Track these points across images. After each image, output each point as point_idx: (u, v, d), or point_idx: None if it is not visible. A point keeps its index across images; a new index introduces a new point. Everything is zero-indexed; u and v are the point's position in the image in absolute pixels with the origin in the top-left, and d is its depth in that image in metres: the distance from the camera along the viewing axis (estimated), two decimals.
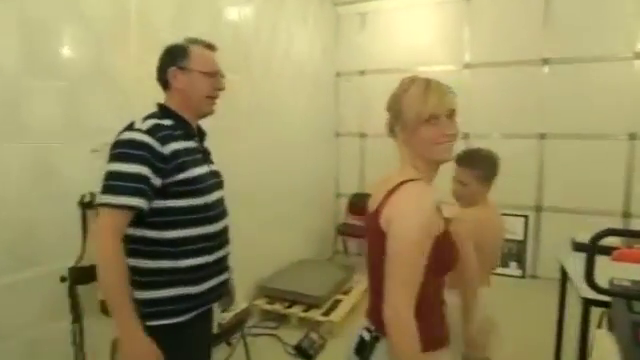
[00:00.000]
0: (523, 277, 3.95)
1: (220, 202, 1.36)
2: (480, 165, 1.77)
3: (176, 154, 1.21)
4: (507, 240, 3.95)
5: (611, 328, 1.69)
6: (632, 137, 3.55)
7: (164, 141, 1.20)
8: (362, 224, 4.81)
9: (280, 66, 3.50)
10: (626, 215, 3.61)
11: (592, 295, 1.84)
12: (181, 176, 1.21)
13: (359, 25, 4.47)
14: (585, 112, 3.66)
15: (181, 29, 2.34)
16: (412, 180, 1.05)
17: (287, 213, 3.64)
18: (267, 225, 3.28)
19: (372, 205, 1.11)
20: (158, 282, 1.22)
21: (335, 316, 2.91)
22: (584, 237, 3.58)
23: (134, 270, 1.20)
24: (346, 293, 3.31)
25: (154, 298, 1.22)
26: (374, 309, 1.08)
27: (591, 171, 3.66)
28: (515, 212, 3.94)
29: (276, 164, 3.41)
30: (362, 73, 4.50)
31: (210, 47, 1.34)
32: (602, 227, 4.02)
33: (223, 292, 1.39)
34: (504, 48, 3.88)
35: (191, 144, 1.30)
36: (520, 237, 3.98)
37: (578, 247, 3.42)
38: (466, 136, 4.01)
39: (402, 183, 1.04)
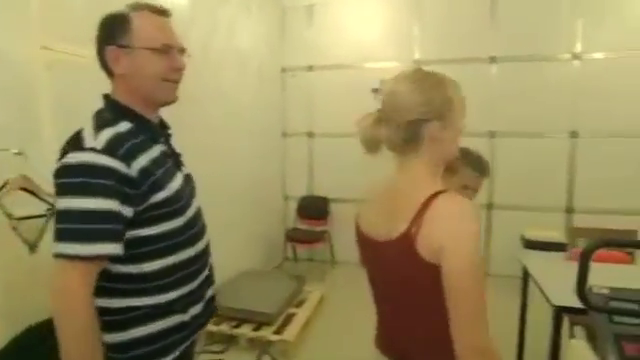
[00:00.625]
0: None
1: (199, 214, 1.13)
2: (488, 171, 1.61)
3: (146, 172, 0.95)
4: None
5: (590, 339, 1.62)
6: (573, 135, 3.65)
7: (129, 157, 0.92)
8: (316, 229, 4.45)
9: (221, 56, 3.17)
10: (569, 210, 3.70)
11: (565, 303, 1.77)
12: (156, 198, 0.96)
13: (306, 18, 4.23)
14: (530, 110, 3.71)
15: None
16: (442, 192, 0.89)
17: (231, 218, 3.30)
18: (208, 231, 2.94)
19: (381, 225, 0.94)
20: (133, 320, 0.98)
21: (289, 334, 2.64)
22: (533, 234, 3.64)
23: (102, 311, 0.94)
24: (299, 306, 3.06)
25: (129, 340, 0.98)
26: (396, 342, 0.98)
27: (537, 168, 3.74)
28: None
29: (217, 163, 3.06)
30: (309, 68, 4.27)
31: (160, 12, 1.02)
32: (548, 223, 4.09)
33: (212, 312, 1.18)
34: (453, 45, 3.84)
35: (158, 150, 1.02)
36: None
37: (529, 244, 3.48)
38: None
39: (433, 197, 0.87)
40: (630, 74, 3.48)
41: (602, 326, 1.46)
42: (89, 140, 0.91)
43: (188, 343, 1.08)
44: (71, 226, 0.87)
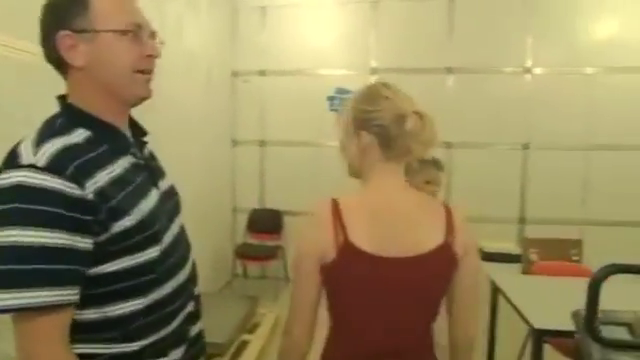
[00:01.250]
0: None
1: (180, 237, 0.93)
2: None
3: (104, 193, 0.74)
4: None
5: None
6: (525, 147, 3.73)
7: (82, 175, 0.72)
8: (268, 244, 4.16)
9: (167, 56, 2.84)
10: (521, 221, 3.76)
11: (547, 326, 1.69)
12: (119, 227, 0.75)
13: (259, 20, 4.00)
14: (485, 122, 3.75)
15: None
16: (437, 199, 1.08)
17: None
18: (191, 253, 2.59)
19: (399, 240, 0.90)
20: None
21: None
22: (489, 246, 3.63)
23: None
24: (252, 331, 2.79)
25: None
26: (387, 345, 0.94)
27: (491, 179, 3.76)
28: None
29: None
30: (262, 73, 4.03)
31: None
32: (501, 234, 4.10)
33: (199, 352, 0.97)
34: (410, 55, 3.80)
35: (126, 162, 0.81)
36: None
37: (486, 257, 3.46)
38: None
39: (442, 205, 0.98)
40: (575, 89, 3.62)
41: (594, 352, 1.37)
42: (28, 153, 0.70)
43: None
44: (12, 267, 0.67)
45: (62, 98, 0.81)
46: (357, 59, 3.89)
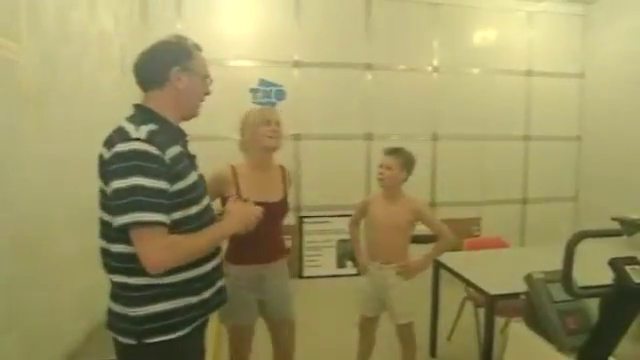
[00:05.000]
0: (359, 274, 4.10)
1: (210, 208, 1.34)
2: (402, 155, 2.20)
3: (174, 161, 1.16)
4: (342, 241, 4.03)
5: (529, 321, 1.80)
6: (434, 138, 4.15)
7: (163, 148, 1.14)
8: None
9: (81, 39, 2.47)
10: (432, 204, 4.19)
11: (499, 291, 1.94)
12: (179, 185, 1.17)
13: (174, 5, 3.70)
14: (400, 115, 4.06)
15: None
16: None
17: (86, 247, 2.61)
18: (71, 263, 2.23)
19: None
20: (154, 296, 1.16)
21: None
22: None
23: (126, 287, 1.15)
24: None
25: (151, 313, 1.16)
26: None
27: None
28: (347, 212, 4.03)
29: (80, 175, 2.34)
30: None
31: (200, 48, 1.33)
32: None
33: (222, 300, 1.36)
34: (332, 50, 3.92)
35: (177, 149, 1.21)
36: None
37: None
38: (297, 137, 3.88)
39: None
40: (469, 86, 4.16)
41: (547, 306, 1.63)
42: (133, 132, 1.12)
43: (199, 323, 1.25)
44: (138, 198, 1.06)
45: (138, 105, 1.25)
46: (280, 52, 3.87)
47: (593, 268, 1.58)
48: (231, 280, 1.66)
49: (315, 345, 2.71)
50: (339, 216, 3.96)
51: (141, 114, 1.20)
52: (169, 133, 1.20)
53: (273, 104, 3.80)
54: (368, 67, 3.98)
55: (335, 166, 3.99)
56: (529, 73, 4.32)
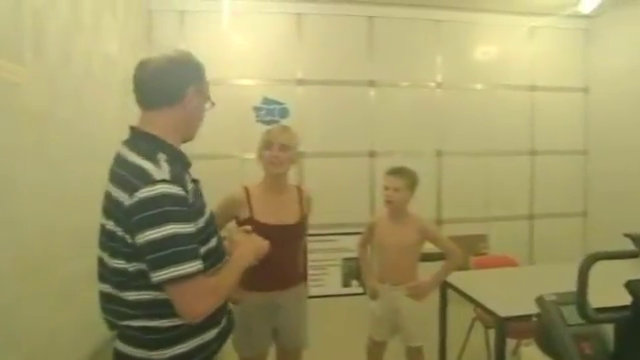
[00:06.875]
0: (364, 294, 4.03)
1: (220, 235, 1.31)
2: (407, 175, 2.18)
3: (193, 196, 1.11)
4: (347, 259, 3.97)
5: (542, 344, 1.73)
6: (439, 154, 4.12)
7: (184, 184, 1.08)
8: None
9: (86, 60, 2.49)
10: (439, 222, 4.13)
11: (510, 314, 1.87)
12: (201, 222, 1.13)
13: (177, 24, 3.74)
14: (404, 132, 4.04)
15: None
16: None
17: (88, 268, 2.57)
18: (74, 284, 2.18)
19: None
20: (180, 336, 1.11)
21: None
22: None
23: (147, 330, 1.08)
24: None
25: (177, 354, 1.10)
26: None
27: None
28: (352, 230, 3.98)
29: (81, 200, 2.30)
30: None
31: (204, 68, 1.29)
32: None
33: (231, 324, 1.32)
34: (335, 67, 3.93)
35: (189, 177, 1.19)
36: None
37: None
38: (301, 155, 3.85)
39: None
40: (473, 102, 4.14)
41: (561, 330, 1.57)
42: (156, 173, 1.03)
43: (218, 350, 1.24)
44: (176, 249, 0.99)
45: (134, 128, 1.15)
46: (283, 70, 3.89)
47: (606, 287, 1.52)
48: (243, 307, 1.60)
49: None
50: (343, 234, 3.91)
51: (146, 142, 1.10)
52: (178, 161, 1.12)
53: (276, 122, 3.79)
54: (371, 84, 3.98)
55: (339, 183, 3.95)
56: (532, 88, 4.30)
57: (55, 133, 2.15)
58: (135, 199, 0.99)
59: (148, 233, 0.97)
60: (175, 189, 1.01)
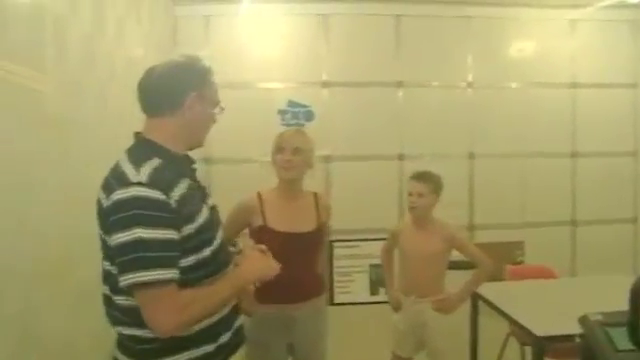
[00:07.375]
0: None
1: (224, 245, 1.25)
2: (432, 180, 2.15)
3: (182, 202, 1.05)
4: (374, 266, 3.84)
5: None
6: (470, 156, 3.93)
7: (168, 188, 1.04)
8: None
9: (109, 67, 2.51)
10: (470, 228, 3.93)
11: (549, 333, 1.71)
12: (189, 229, 1.06)
13: (202, 29, 3.75)
14: (434, 133, 3.88)
15: None
16: None
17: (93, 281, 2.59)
18: (90, 290, 2.21)
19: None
20: (170, 348, 1.05)
21: None
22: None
23: (136, 339, 1.05)
24: None
25: None
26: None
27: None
28: (380, 236, 3.85)
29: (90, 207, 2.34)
30: None
31: (212, 71, 1.25)
32: None
33: (240, 341, 1.26)
34: (362, 69, 3.83)
35: (186, 184, 1.13)
36: None
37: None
38: (327, 158, 3.77)
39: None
40: (507, 102, 3.92)
41: (610, 357, 1.40)
42: (133, 175, 1.01)
43: None
44: (144, 254, 0.94)
45: (138, 134, 1.16)
46: (308, 72, 3.82)
47: None
48: (257, 321, 1.53)
49: None
50: (371, 240, 3.79)
51: (142, 148, 1.13)
52: (176, 166, 1.11)
53: (302, 125, 3.73)
54: (399, 85, 3.84)
55: (366, 188, 3.84)
56: (574, 85, 4.03)
57: (77, 139, 2.17)
58: (110, 201, 1.00)
59: (119, 235, 0.97)
60: (150, 192, 0.98)
